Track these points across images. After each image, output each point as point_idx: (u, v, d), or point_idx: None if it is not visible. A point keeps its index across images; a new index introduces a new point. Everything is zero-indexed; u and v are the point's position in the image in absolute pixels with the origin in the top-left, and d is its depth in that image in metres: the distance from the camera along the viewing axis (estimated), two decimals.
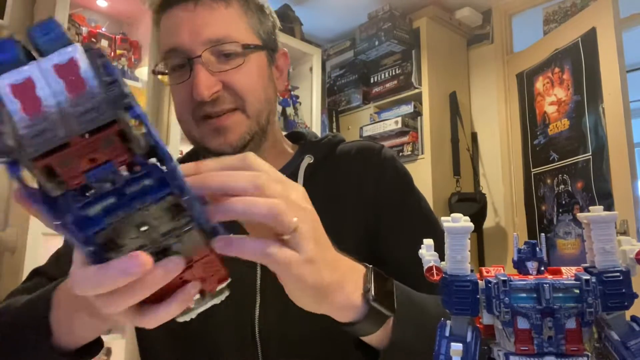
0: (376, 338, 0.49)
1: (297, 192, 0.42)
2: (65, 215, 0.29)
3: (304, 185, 0.71)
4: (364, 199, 0.74)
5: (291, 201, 0.40)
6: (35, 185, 0.28)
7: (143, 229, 0.31)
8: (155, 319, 0.36)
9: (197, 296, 0.38)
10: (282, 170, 0.74)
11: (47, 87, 0.25)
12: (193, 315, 0.40)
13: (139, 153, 0.28)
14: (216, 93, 0.66)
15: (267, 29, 0.74)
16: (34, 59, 0.26)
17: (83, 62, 0.25)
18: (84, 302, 0.40)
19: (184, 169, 0.35)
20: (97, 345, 0.53)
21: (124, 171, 0.29)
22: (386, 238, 0.72)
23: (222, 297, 0.41)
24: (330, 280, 0.43)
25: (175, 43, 0.67)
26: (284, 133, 0.86)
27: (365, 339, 0.49)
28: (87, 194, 0.29)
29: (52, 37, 0.26)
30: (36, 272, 0.75)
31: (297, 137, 0.84)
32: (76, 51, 0.25)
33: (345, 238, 0.69)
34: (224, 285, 0.40)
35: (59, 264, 0.73)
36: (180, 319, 0.39)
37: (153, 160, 0.30)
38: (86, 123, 0.25)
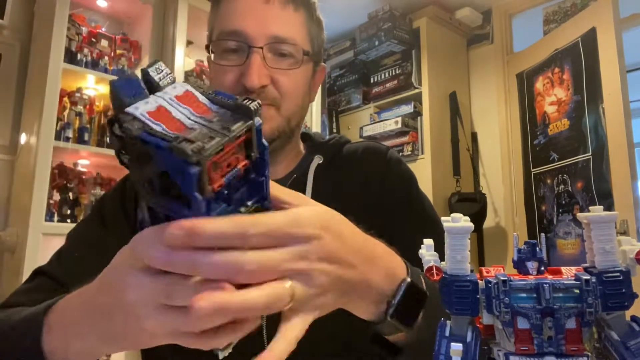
0: (396, 336, 0.48)
1: (303, 230, 0.36)
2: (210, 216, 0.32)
3: (314, 184, 0.73)
4: (369, 199, 0.75)
5: (296, 256, 0.35)
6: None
7: None
8: (218, 342, 0.34)
9: None
10: (294, 171, 0.76)
11: (179, 112, 0.30)
12: (230, 349, 0.37)
13: (254, 158, 0.32)
14: (264, 87, 0.68)
15: (320, 42, 0.77)
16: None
17: (197, 93, 0.31)
18: (95, 326, 0.39)
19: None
20: None
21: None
22: (391, 241, 0.71)
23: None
24: (354, 292, 0.41)
25: (241, 27, 0.68)
26: None
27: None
28: (215, 195, 0.32)
29: (162, 76, 0.32)
30: (38, 272, 0.74)
31: (303, 138, 0.86)
32: (187, 85, 0.32)
33: None
34: None
35: (60, 264, 0.72)
36: (221, 355, 0.37)
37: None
38: (233, 130, 0.30)
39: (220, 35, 0.70)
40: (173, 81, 0.32)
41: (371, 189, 0.76)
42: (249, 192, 0.33)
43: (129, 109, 0.30)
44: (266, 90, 0.69)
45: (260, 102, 0.32)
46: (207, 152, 0.28)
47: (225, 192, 0.32)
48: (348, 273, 0.40)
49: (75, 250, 0.74)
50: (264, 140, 0.32)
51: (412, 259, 0.60)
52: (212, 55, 0.72)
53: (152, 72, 0.32)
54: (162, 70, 0.32)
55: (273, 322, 0.37)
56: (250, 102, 0.31)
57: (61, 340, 0.45)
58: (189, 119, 0.30)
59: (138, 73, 0.33)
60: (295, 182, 0.74)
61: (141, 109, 0.30)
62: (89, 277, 0.59)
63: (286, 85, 0.70)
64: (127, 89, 0.31)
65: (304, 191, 0.72)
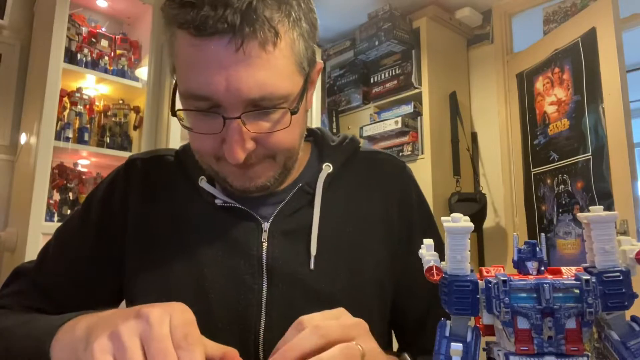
0: None
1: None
2: None
3: (323, 196, 0.67)
4: (390, 217, 0.71)
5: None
6: None
7: None
8: None
9: None
10: (298, 180, 0.70)
11: None
12: None
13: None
14: (251, 152, 0.58)
15: (311, 51, 0.62)
16: None
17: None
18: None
19: None
20: None
21: None
22: (410, 267, 0.68)
23: None
24: None
25: (209, 92, 0.54)
26: None
27: None
28: None
29: None
30: (19, 273, 0.73)
31: (308, 134, 0.75)
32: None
33: (367, 254, 0.69)
34: None
35: (41, 272, 0.72)
36: None
37: None
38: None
39: (187, 94, 0.56)
40: None
41: (390, 208, 0.72)
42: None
43: None
44: (255, 153, 0.59)
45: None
46: None
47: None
48: None
49: (61, 251, 0.72)
50: None
51: (421, 287, 0.60)
52: (183, 113, 0.59)
53: None
54: None
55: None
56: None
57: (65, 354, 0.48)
58: None
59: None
60: (301, 193, 0.68)
61: None
62: (71, 288, 0.66)
63: (276, 143, 0.59)
64: None
65: (311, 203, 0.67)
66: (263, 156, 0.60)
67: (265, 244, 0.65)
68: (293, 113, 0.57)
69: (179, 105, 0.59)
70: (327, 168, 0.69)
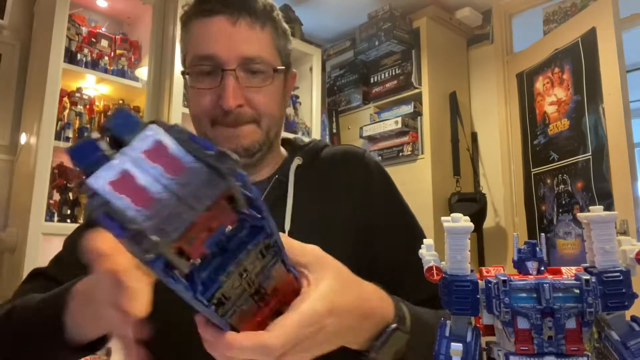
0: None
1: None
2: (196, 287, 0.30)
3: (295, 185, 0.77)
4: (352, 199, 0.79)
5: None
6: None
7: (244, 275, 0.33)
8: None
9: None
10: (276, 172, 0.80)
11: (146, 176, 0.25)
12: None
13: (243, 210, 0.29)
14: (240, 107, 0.72)
15: (287, 51, 0.80)
16: (116, 148, 0.26)
17: (168, 142, 0.26)
18: (97, 303, 0.44)
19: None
20: (104, 339, 0.57)
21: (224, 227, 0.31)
22: (378, 239, 0.77)
23: None
24: (347, 338, 0.48)
25: (212, 51, 0.71)
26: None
27: None
28: (197, 258, 0.30)
29: (131, 128, 0.26)
30: (36, 274, 0.76)
31: (284, 142, 0.90)
32: (157, 133, 0.26)
33: (334, 235, 0.74)
34: None
35: (58, 268, 0.75)
36: None
37: (248, 211, 0.31)
38: (206, 199, 0.26)
39: (194, 60, 0.74)
40: (142, 128, 0.26)
41: (354, 189, 0.79)
42: (249, 236, 0.32)
43: (90, 181, 0.25)
44: (243, 110, 0.72)
45: (237, 159, 0.27)
46: (169, 238, 0.25)
47: (216, 249, 0.30)
48: (346, 335, 0.47)
49: (71, 255, 0.75)
50: (253, 188, 0.30)
51: (400, 258, 0.73)
52: (188, 79, 0.75)
53: (112, 123, 0.26)
54: (129, 118, 0.26)
55: None
56: (225, 160, 0.26)
57: (80, 313, 0.52)
58: (158, 182, 0.25)
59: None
60: (278, 183, 0.78)
61: (102, 179, 0.25)
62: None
63: (261, 101, 0.74)
64: (83, 156, 0.26)
65: (285, 191, 0.77)
66: (250, 117, 0.73)
67: None
68: (275, 71, 0.74)
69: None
70: (298, 160, 0.80)
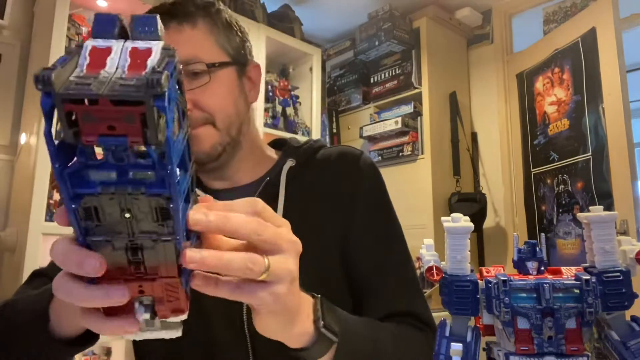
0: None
1: (284, 225, 0.43)
2: (67, 163, 0.31)
3: (286, 187, 0.76)
4: (343, 201, 0.77)
5: (274, 234, 0.41)
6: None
7: (127, 215, 0.32)
8: (98, 329, 0.38)
9: (147, 316, 0.38)
10: (267, 174, 0.78)
11: (117, 59, 0.29)
12: (139, 337, 0.40)
13: (152, 142, 0.29)
14: (188, 111, 0.69)
15: (235, 44, 0.77)
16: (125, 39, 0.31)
17: (155, 54, 0.29)
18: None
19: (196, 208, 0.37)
20: (93, 336, 0.55)
21: (133, 155, 0.31)
22: (354, 241, 0.76)
23: (173, 334, 0.41)
24: (295, 311, 0.46)
25: None
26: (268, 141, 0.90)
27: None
28: (95, 160, 0.31)
29: (147, 31, 0.30)
30: (37, 274, 0.76)
31: (280, 144, 0.88)
32: (156, 45, 0.30)
33: (325, 238, 0.74)
34: (177, 319, 0.40)
35: (57, 268, 0.74)
36: (125, 337, 0.39)
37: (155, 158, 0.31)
38: (118, 91, 0.27)
39: None
40: (155, 38, 0.31)
41: (344, 190, 0.78)
42: (152, 184, 0.31)
43: (93, 39, 0.30)
44: (193, 114, 0.71)
45: (173, 70, 0.29)
46: (63, 89, 0.27)
47: (111, 159, 0.31)
48: (296, 293, 0.46)
49: None
50: (168, 131, 0.30)
51: (367, 265, 0.75)
52: None
53: (137, 22, 0.31)
54: (153, 27, 0.31)
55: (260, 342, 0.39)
56: (155, 81, 0.27)
57: (61, 306, 0.51)
58: (116, 68, 0.29)
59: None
60: (268, 185, 0.76)
61: (95, 43, 0.30)
62: None
63: (208, 101, 0.71)
64: (101, 23, 0.31)
65: (276, 193, 0.75)
66: (202, 120, 0.71)
67: None
68: (210, 66, 0.71)
69: None
70: (290, 162, 0.78)
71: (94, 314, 0.38)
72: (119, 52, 0.29)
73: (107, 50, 0.29)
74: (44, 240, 1.71)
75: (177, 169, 0.32)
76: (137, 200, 0.31)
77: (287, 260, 0.41)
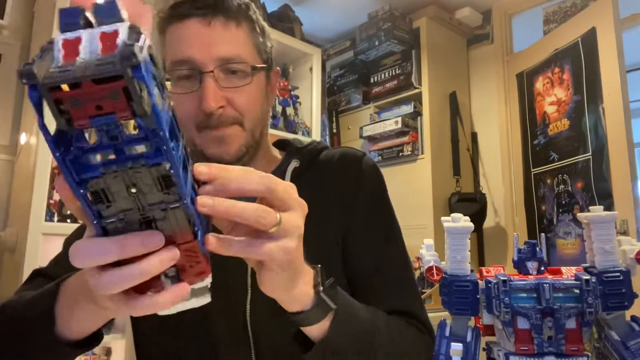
0: (316, 330, 0.54)
1: (291, 187, 0.46)
2: (67, 150, 0.32)
3: None
4: (344, 202, 0.78)
5: (285, 192, 0.43)
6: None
7: (133, 190, 0.33)
8: (141, 306, 0.38)
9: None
10: (272, 174, 0.78)
11: (88, 46, 0.30)
12: (173, 310, 0.41)
13: (139, 114, 0.30)
14: (222, 108, 0.70)
15: (267, 49, 0.79)
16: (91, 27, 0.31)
17: (123, 33, 0.30)
18: (89, 292, 0.43)
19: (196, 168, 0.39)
20: (97, 337, 0.56)
21: (127, 130, 0.32)
22: (354, 241, 0.77)
23: (203, 301, 0.43)
24: (299, 271, 0.48)
25: (188, 55, 0.70)
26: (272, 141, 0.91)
27: (307, 330, 0.54)
28: (91, 143, 0.32)
29: (110, 15, 0.31)
30: (37, 274, 0.77)
31: (284, 144, 0.89)
32: (122, 26, 0.30)
33: (327, 239, 0.74)
34: (204, 283, 0.42)
35: (58, 268, 0.75)
36: (161, 313, 0.40)
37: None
38: (97, 70, 0.28)
39: (172, 65, 0.72)
40: (119, 21, 0.31)
41: (346, 191, 0.79)
42: (151, 155, 0.32)
43: (62, 34, 0.31)
44: (225, 112, 0.71)
45: (144, 44, 0.30)
46: (48, 79, 0.28)
47: (105, 138, 0.32)
48: (301, 252, 0.48)
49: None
50: (153, 99, 0.31)
51: (365, 265, 0.75)
52: (169, 85, 0.74)
53: (100, 6, 0.32)
54: (114, 9, 0.32)
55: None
56: (129, 51, 0.29)
57: (70, 306, 0.51)
58: (88, 54, 0.30)
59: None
60: None
61: (64, 36, 0.31)
62: None
63: (242, 102, 0.72)
64: (67, 17, 0.31)
65: None
66: (233, 118, 0.72)
67: None
68: (254, 69, 0.73)
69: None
70: (295, 163, 0.79)
71: (129, 296, 0.38)
72: (89, 39, 0.30)
73: (78, 40, 0.30)
74: (44, 240, 1.71)
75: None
76: (139, 174, 0.33)
77: (296, 218, 0.43)
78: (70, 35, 0.30)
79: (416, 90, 2.80)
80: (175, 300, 0.38)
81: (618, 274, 0.36)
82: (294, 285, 0.48)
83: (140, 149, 0.32)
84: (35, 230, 1.71)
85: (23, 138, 2.12)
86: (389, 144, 2.86)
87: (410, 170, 2.76)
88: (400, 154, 2.79)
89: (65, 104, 0.30)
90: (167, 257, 0.36)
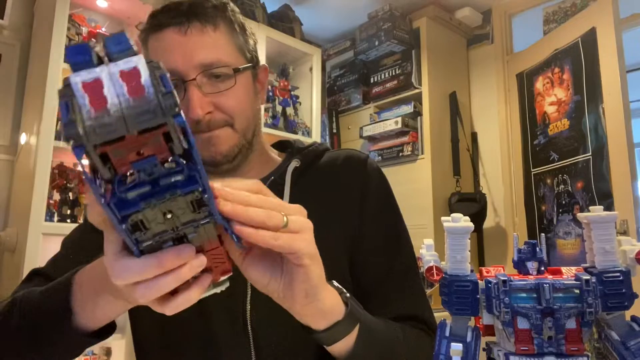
0: (341, 345, 0.54)
1: (301, 211, 0.48)
2: (113, 198, 0.34)
3: (291, 188, 0.76)
4: (350, 204, 0.78)
5: (279, 204, 0.45)
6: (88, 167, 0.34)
7: (168, 216, 0.36)
8: (175, 306, 0.41)
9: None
10: (272, 174, 0.79)
11: (112, 88, 0.30)
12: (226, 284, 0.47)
13: (177, 153, 0.33)
14: (209, 114, 0.71)
15: (250, 47, 0.78)
16: (102, 63, 0.31)
17: (144, 72, 0.30)
18: (109, 285, 0.44)
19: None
20: (112, 327, 0.58)
21: (161, 166, 0.34)
22: (362, 243, 0.77)
23: (223, 287, 0.47)
24: (321, 280, 0.49)
25: (169, 66, 0.69)
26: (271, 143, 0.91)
27: (332, 347, 0.54)
28: (130, 182, 0.34)
29: (121, 48, 0.31)
30: (35, 273, 0.76)
31: (284, 145, 0.88)
32: (139, 62, 0.31)
33: (331, 241, 0.73)
34: (226, 277, 0.47)
35: (56, 268, 0.75)
36: (218, 289, 0.46)
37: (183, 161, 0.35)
38: (141, 123, 0.30)
39: None
40: (132, 55, 0.31)
41: (352, 194, 0.78)
42: (184, 184, 0.35)
43: (71, 76, 0.30)
44: (214, 116, 0.71)
45: (176, 97, 0.31)
46: (93, 138, 0.29)
47: (145, 177, 0.34)
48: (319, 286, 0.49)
49: (69, 254, 0.76)
50: (190, 138, 0.33)
51: (375, 270, 0.76)
52: None
53: (110, 41, 0.32)
54: (123, 42, 0.31)
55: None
56: (169, 98, 0.30)
57: (88, 298, 0.53)
58: (117, 98, 0.30)
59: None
60: (273, 184, 0.77)
61: (80, 77, 0.30)
62: None
63: (230, 104, 0.72)
64: (75, 54, 0.31)
65: (282, 192, 0.76)
66: (222, 122, 0.72)
67: None
68: (236, 71, 0.72)
69: None
70: (295, 163, 0.78)
71: (165, 297, 0.41)
72: (109, 79, 0.30)
73: (99, 83, 0.30)
74: (44, 240, 1.71)
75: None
76: (175, 202, 0.35)
77: (300, 218, 0.46)
78: (86, 76, 0.30)
79: (416, 90, 2.80)
80: (202, 293, 0.42)
81: (618, 274, 0.36)
82: (325, 287, 0.50)
83: (175, 179, 0.35)
84: (35, 230, 1.71)
85: (23, 138, 2.12)
86: (389, 144, 2.86)
87: (410, 170, 2.76)
88: (400, 154, 2.79)
89: (108, 154, 0.31)
90: (197, 265, 0.39)
